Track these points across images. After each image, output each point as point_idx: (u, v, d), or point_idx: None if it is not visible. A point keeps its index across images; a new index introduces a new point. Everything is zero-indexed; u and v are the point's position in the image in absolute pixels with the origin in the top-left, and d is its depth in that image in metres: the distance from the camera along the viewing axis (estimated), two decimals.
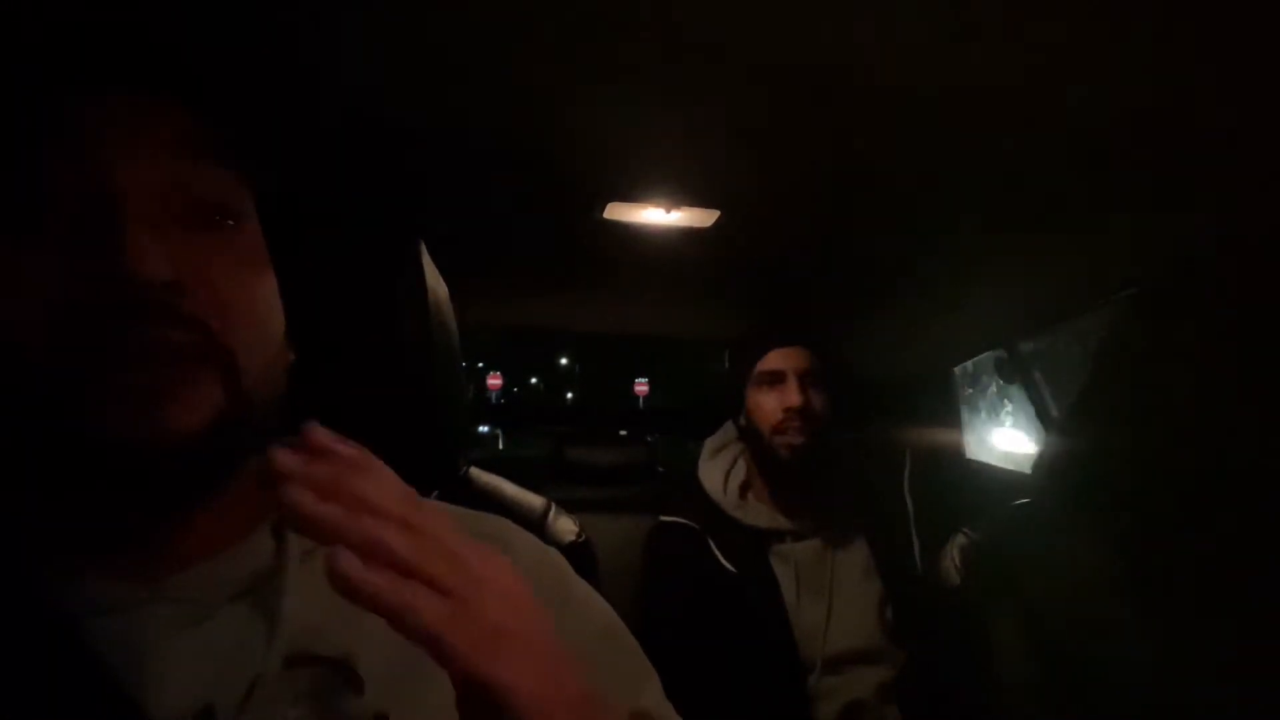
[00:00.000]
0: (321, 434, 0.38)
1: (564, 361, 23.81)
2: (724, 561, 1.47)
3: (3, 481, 0.46)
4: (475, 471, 1.11)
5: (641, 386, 17.45)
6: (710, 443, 1.68)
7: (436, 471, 0.89)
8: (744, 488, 1.58)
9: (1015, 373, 1.67)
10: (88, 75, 0.46)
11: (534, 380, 24.02)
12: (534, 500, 1.13)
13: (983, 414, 2.27)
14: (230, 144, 0.49)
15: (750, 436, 1.57)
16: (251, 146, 0.50)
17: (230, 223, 0.48)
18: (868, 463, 1.65)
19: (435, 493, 0.89)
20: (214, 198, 0.48)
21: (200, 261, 0.45)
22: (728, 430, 1.68)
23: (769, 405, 1.51)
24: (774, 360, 1.53)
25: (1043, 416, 1.63)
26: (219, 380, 0.46)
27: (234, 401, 0.46)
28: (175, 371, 0.44)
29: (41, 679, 0.43)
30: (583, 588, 0.61)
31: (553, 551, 0.62)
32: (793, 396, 1.48)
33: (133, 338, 0.43)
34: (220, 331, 0.46)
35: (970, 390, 2.10)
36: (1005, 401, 2.21)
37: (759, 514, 1.53)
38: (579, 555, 1.10)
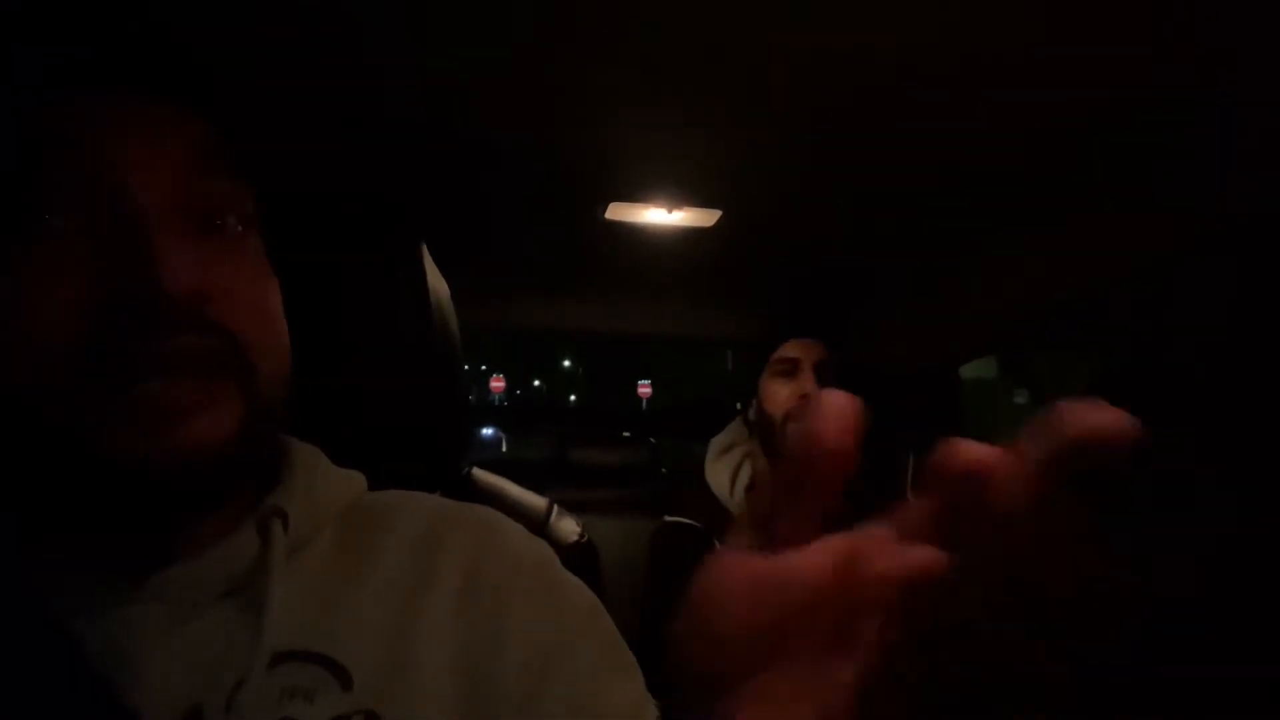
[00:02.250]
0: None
1: (567, 364, 23.84)
2: None
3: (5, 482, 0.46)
4: (478, 472, 1.11)
5: (644, 388, 17.45)
6: (716, 442, 1.68)
7: (438, 472, 0.89)
8: (750, 489, 1.58)
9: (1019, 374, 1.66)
10: (105, 81, 0.46)
11: (537, 382, 24.04)
12: (537, 501, 1.13)
13: None
14: (241, 153, 0.49)
15: (761, 427, 1.57)
16: (260, 154, 0.50)
17: (240, 229, 0.48)
18: (871, 463, 1.64)
19: (438, 493, 0.89)
20: (227, 205, 0.48)
21: (218, 269, 0.45)
22: (734, 429, 1.68)
23: (782, 394, 1.51)
24: (790, 349, 1.53)
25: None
26: (240, 389, 0.45)
27: (253, 409, 0.46)
28: (201, 383, 0.44)
29: (26, 680, 0.43)
30: (567, 577, 0.60)
31: (541, 543, 0.61)
32: (807, 385, 1.48)
33: (162, 348, 0.42)
34: (240, 338, 0.46)
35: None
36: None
37: None
38: (581, 556, 1.10)
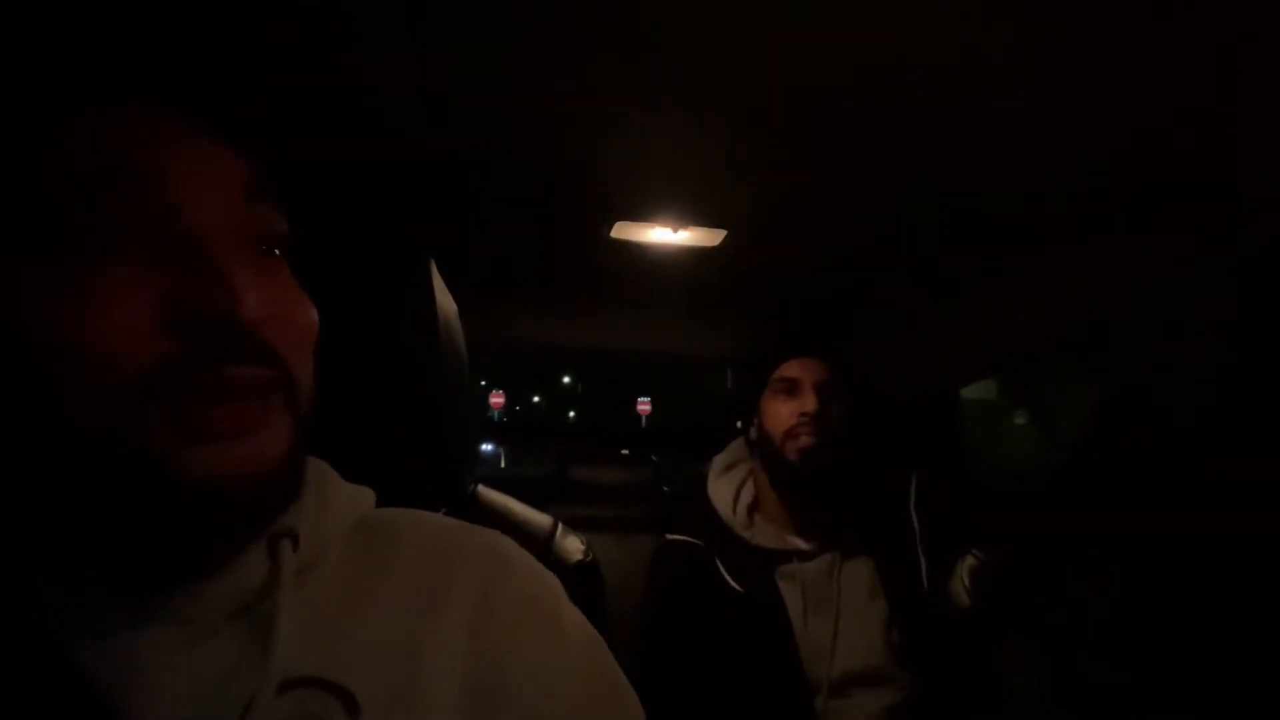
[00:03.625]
0: None
1: (566, 380, 23.80)
2: (730, 581, 1.47)
3: (17, 503, 0.45)
4: (483, 490, 1.11)
5: (644, 406, 17.42)
6: (719, 460, 1.67)
7: (444, 489, 0.89)
8: (752, 508, 1.57)
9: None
10: (156, 103, 0.46)
11: (536, 399, 24.00)
12: (542, 519, 1.12)
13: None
14: (280, 182, 0.50)
15: (761, 445, 1.57)
16: (295, 181, 0.52)
17: (277, 252, 0.49)
18: (874, 482, 1.64)
19: (443, 510, 0.89)
20: (271, 233, 0.49)
21: (268, 293, 0.46)
22: (736, 448, 1.68)
23: (783, 412, 1.51)
24: (790, 369, 1.53)
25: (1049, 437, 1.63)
26: (289, 410, 0.47)
27: (299, 430, 0.47)
28: (260, 406, 0.45)
29: (32, 701, 0.42)
30: (574, 617, 0.60)
31: (549, 575, 0.62)
32: (809, 403, 1.48)
33: (232, 373, 0.43)
34: (288, 362, 0.47)
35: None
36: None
37: (767, 534, 1.53)
38: (585, 575, 1.10)
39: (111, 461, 0.42)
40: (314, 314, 0.51)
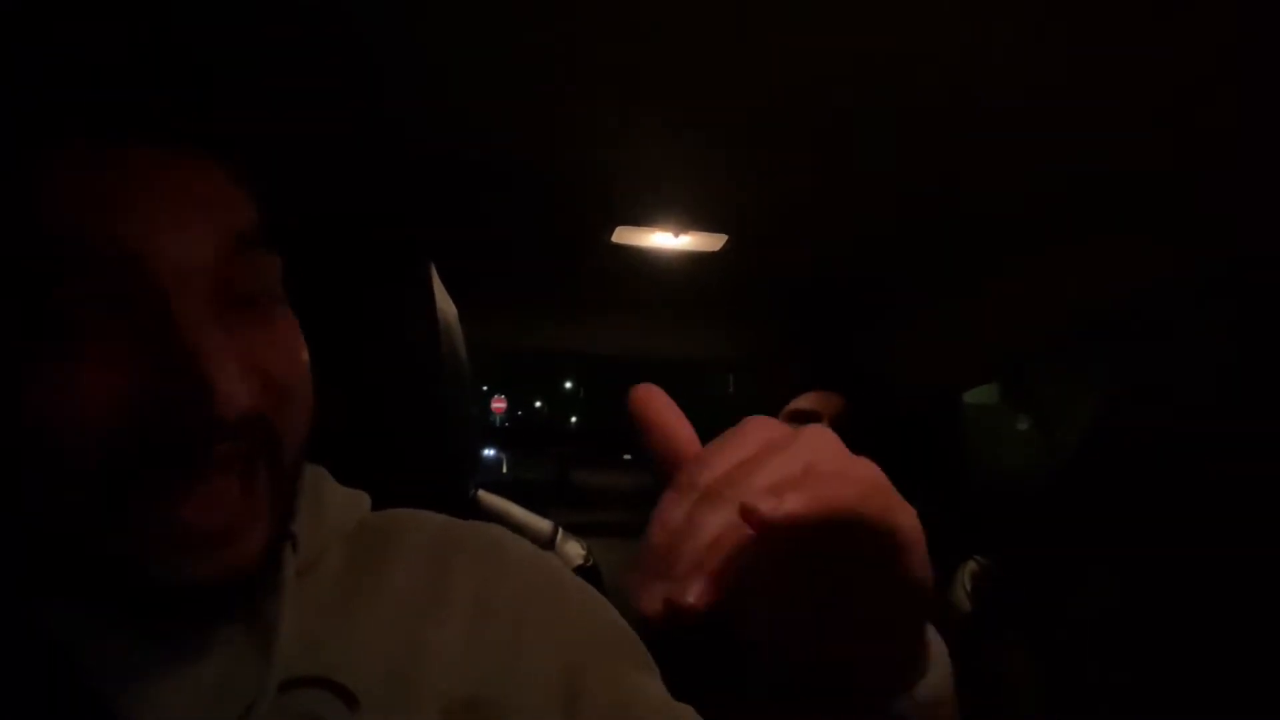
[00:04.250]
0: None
1: (568, 385, 23.80)
2: None
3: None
4: (483, 494, 1.10)
5: None
6: None
7: (445, 493, 0.89)
8: None
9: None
10: (135, 135, 0.41)
11: (538, 403, 24.00)
12: (542, 524, 1.12)
13: None
14: (271, 228, 0.46)
15: None
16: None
17: (270, 302, 0.46)
18: None
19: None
20: (261, 282, 0.45)
21: (255, 351, 0.42)
22: None
23: None
24: (807, 400, 1.53)
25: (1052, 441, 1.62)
26: (272, 474, 0.44)
27: (280, 490, 0.45)
28: (240, 482, 0.42)
29: (31, 703, 0.42)
30: (579, 586, 0.60)
31: (550, 557, 0.61)
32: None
33: (206, 463, 0.40)
34: (274, 422, 0.44)
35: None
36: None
37: None
38: (586, 580, 1.10)
39: (78, 562, 0.41)
40: (304, 357, 0.47)
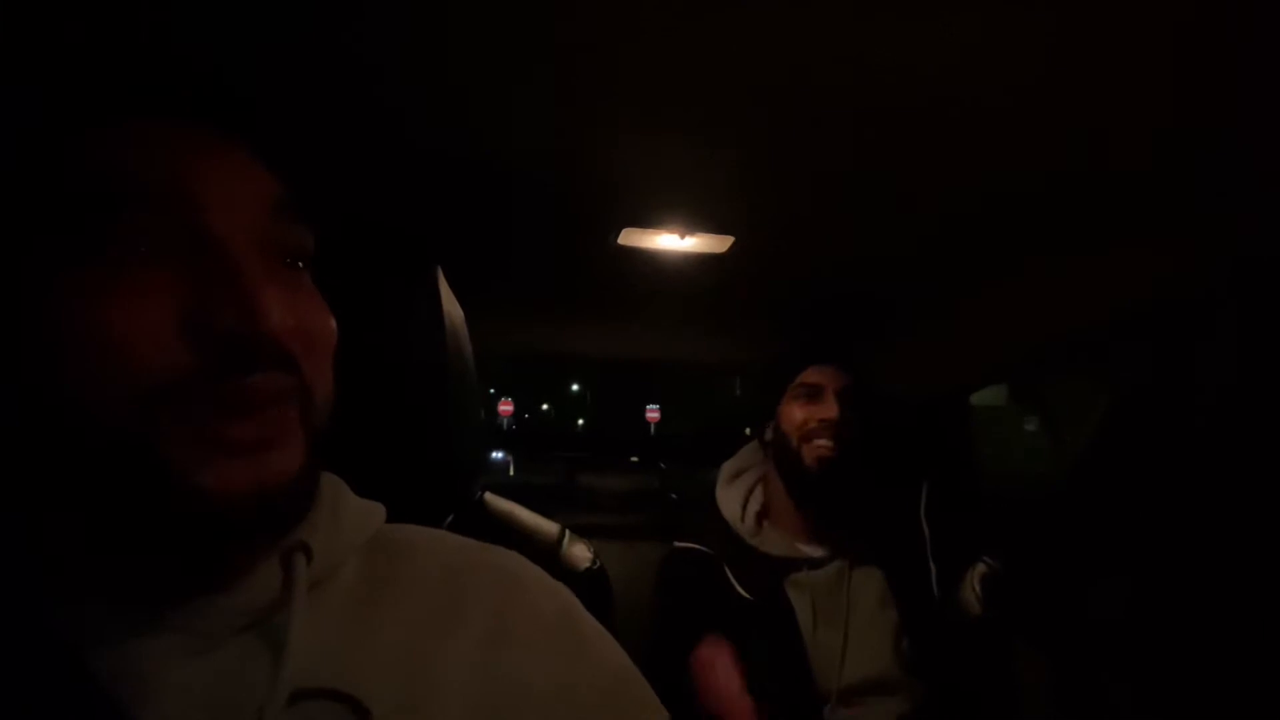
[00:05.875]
0: None
1: (575, 387, 23.82)
2: (739, 589, 1.46)
3: (31, 506, 0.46)
4: (490, 497, 1.10)
5: (653, 413, 17.42)
6: (728, 467, 1.67)
7: (452, 497, 0.89)
8: (760, 515, 1.57)
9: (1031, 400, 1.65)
10: (185, 115, 0.47)
11: (545, 406, 24.02)
12: (549, 526, 1.12)
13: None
14: (306, 198, 0.51)
15: (778, 450, 1.56)
16: (322, 196, 0.53)
17: (301, 264, 0.50)
18: (884, 489, 1.63)
19: (450, 518, 0.89)
20: (295, 247, 0.49)
21: (290, 304, 0.46)
22: (745, 454, 1.67)
23: (800, 416, 1.51)
24: (813, 375, 1.53)
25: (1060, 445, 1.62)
26: (305, 421, 0.47)
27: (314, 442, 0.48)
28: (278, 416, 0.45)
29: (43, 711, 0.42)
30: (594, 628, 0.60)
31: (564, 589, 0.61)
32: (830, 409, 1.48)
33: (253, 385, 0.44)
34: (306, 374, 0.47)
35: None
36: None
37: (776, 542, 1.52)
38: (593, 583, 1.09)
39: (127, 469, 0.42)
40: (333, 324, 0.51)
